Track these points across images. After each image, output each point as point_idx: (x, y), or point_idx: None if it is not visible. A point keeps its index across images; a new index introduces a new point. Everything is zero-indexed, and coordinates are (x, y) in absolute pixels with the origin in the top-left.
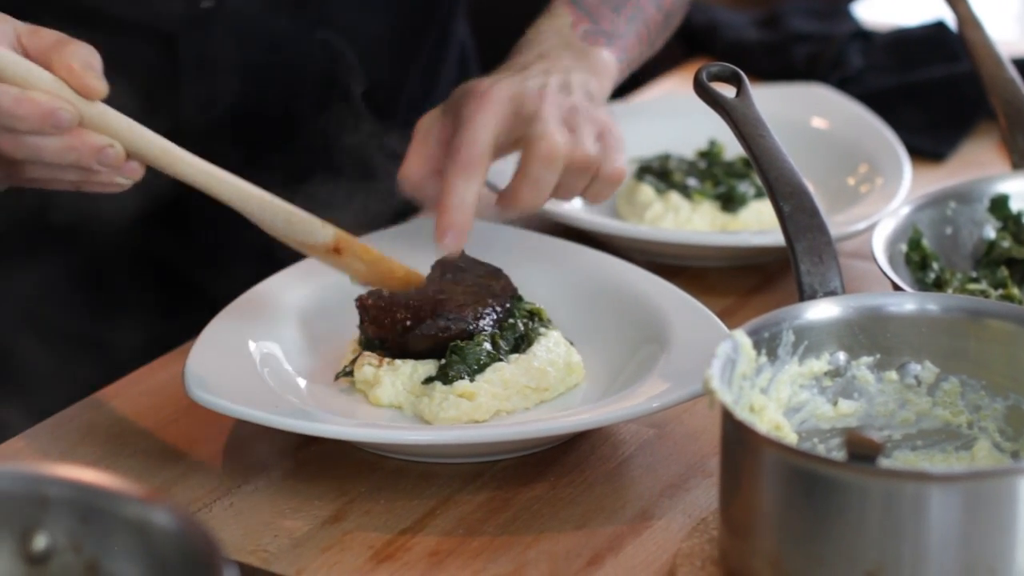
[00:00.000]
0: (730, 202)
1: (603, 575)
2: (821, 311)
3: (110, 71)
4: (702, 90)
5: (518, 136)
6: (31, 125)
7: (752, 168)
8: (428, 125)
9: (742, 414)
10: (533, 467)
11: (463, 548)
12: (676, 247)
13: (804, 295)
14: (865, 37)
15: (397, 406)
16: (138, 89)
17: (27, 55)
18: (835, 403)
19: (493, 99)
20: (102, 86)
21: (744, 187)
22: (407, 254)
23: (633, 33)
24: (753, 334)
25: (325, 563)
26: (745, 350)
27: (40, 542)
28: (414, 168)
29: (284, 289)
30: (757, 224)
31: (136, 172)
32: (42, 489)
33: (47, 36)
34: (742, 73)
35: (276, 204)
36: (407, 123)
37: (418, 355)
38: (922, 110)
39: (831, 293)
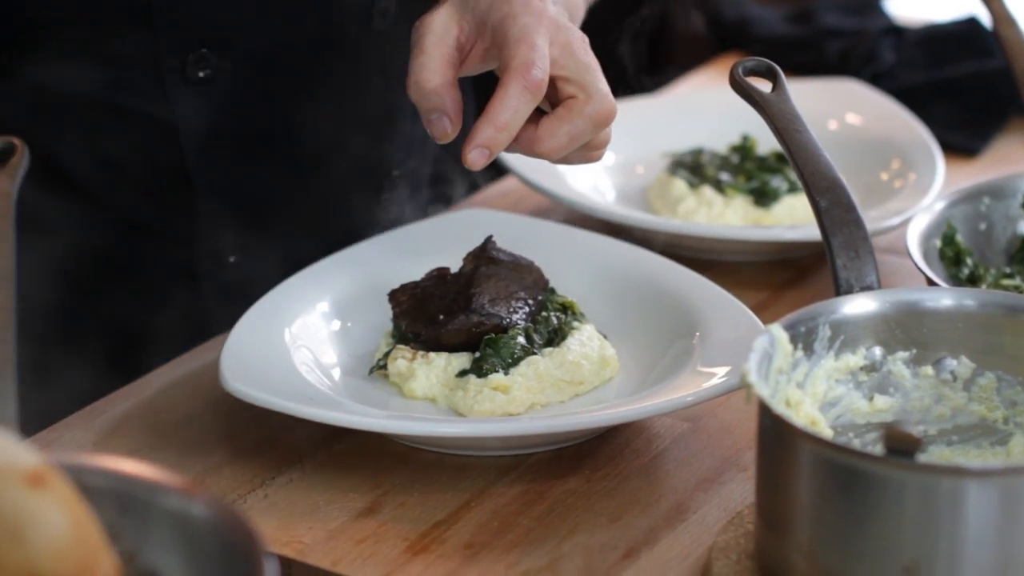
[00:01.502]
0: (763, 197)
1: (638, 568)
2: (857, 306)
3: (113, 158)
4: (738, 85)
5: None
6: None
7: (786, 163)
8: (443, 26)
9: (779, 408)
10: (567, 460)
11: (497, 541)
12: (709, 241)
13: (840, 290)
14: (897, 33)
15: (431, 399)
16: (146, 167)
17: None
18: (871, 398)
19: (545, 20)
20: None
21: (777, 182)
22: (441, 247)
23: None
24: (789, 328)
25: (360, 555)
26: (782, 344)
27: None
28: (435, 74)
29: (317, 281)
30: (790, 219)
31: None
32: (81, 479)
33: None
34: (778, 68)
35: None
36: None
37: (452, 348)
38: (955, 106)
39: (867, 288)
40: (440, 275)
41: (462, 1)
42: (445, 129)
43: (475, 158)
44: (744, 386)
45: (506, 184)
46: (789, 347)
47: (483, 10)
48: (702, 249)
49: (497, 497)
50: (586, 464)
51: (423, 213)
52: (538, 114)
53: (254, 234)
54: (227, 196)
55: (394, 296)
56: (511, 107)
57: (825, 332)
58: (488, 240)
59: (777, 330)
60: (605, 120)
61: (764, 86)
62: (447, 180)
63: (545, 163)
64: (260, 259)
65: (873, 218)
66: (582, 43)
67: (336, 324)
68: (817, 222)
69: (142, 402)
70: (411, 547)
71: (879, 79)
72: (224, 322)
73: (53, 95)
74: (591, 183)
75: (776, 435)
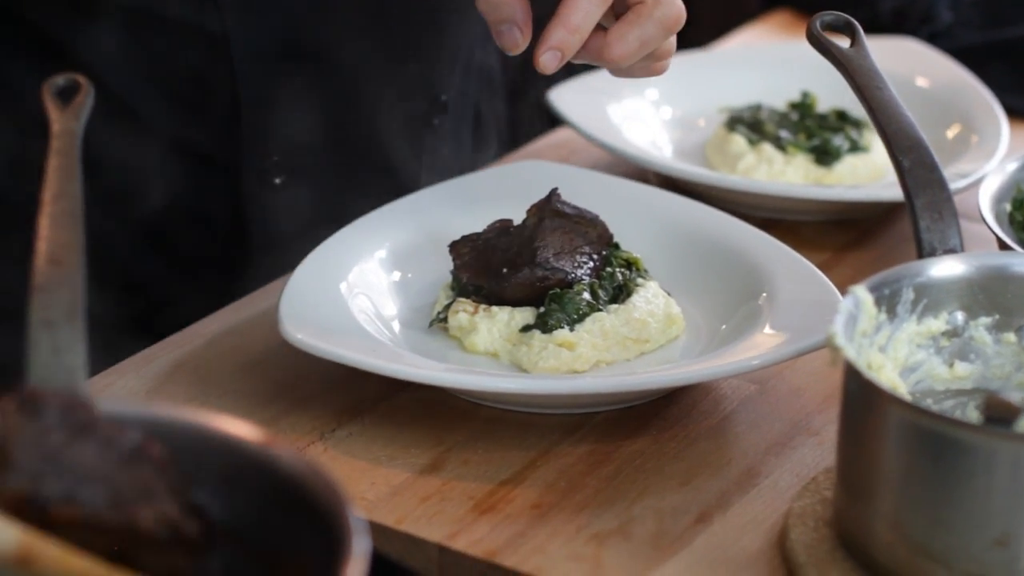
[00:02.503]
0: (825, 155)
1: (711, 533)
2: (942, 269)
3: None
4: (816, 40)
5: None
6: None
7: (847, 121)
8: None
9: (869, 373)
10: (633, 420)
11: (566, 502)
12: (771, 199)
13: (923, 252)
14: None
15: (493, 354)
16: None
17: None
18: (951, 364)
19: None
20: None
21: (839, 140)
22: (500, 198)
23: None
24: (874, 290)
25: (425, 513)
26: (866, 307)
27: None
28: None
29: (374, 231)
30: (852, 178)
31: None
32: (154, 429)
33: None
34: (856, 23)
35: None
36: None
37: (515, 302)
38: (1014, 68)
39: (950, 251)
40: (503, 227)
41: None
42: (516, 39)
43: (547, 60)
44: (830, 348)
45: (559, 136)
46: (873, 310)
47: None
48: (762, 207)
49: (563, 456)
50: (653, 425)
51: (473, 152)
52: (603, 29)
53: (301, 155)
54: (274, 112)
55: (455, 248)
56: (583, 8)
57: (908, 295)
58: (553, 192)
59: (862, 292)
60: (675, 24)
61: (842, 42)
62: (498, 119)
63: (601, 115)
64: (307, 182)
65: None
66: None
67: (396, 275)
68: (900, 182)
69: (195, 350)
70: (477, 506)
71: (935, 39)
72: (269, 259)
73: (99, 7)
74: (649, 138)
75: (863, 400)
